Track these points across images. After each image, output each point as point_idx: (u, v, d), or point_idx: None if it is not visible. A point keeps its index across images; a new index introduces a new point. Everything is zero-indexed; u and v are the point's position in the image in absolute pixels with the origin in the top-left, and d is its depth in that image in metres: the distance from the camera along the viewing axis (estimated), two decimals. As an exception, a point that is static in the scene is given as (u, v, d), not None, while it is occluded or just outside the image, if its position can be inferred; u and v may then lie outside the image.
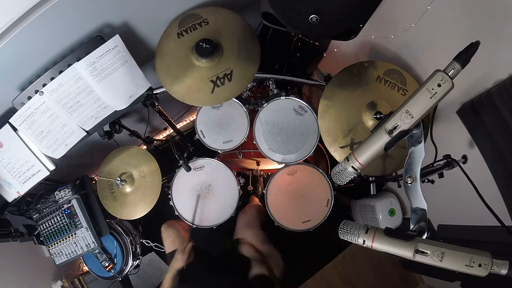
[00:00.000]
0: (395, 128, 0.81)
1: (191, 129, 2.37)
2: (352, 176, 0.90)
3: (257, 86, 1.84)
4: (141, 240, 1.80)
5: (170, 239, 1.52)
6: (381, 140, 0.83)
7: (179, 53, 1.30)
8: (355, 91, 1.33)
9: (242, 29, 1.32)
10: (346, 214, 2.19)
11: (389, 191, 1.96)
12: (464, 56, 0.77)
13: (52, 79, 1.15)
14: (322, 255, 2.16)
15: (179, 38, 1.31)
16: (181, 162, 1.47)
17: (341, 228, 0.85)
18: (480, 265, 0.71)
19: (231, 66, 1.28)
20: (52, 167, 1.30)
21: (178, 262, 1.32)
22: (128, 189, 1.54)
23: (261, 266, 1.27)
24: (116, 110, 1.33)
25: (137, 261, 1.75)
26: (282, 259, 1.39)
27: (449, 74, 0.77)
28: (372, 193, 1.84)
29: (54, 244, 1.50)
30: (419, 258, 0.76)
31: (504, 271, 0.71)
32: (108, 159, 1.58)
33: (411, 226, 0.83)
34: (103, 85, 1.22)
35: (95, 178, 1.79)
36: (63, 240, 1.49)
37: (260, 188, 1.95)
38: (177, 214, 1.53)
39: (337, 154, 1.32)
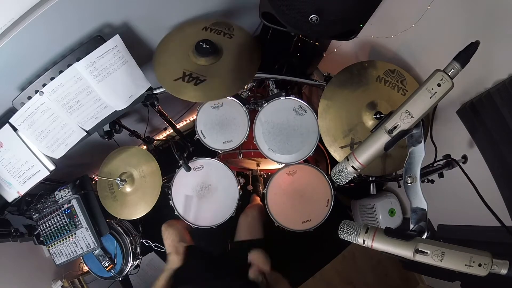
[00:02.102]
0: (395, 128, 0.81)
1: (191, 129, 2.37)
2: (352, 176, 0.90)
3: (257, 86, 1.84)
4: (141, 240, 1.80)
5: (170, 239, 1.52)
6: (381, 139, 0.83)
7: (190, 38, 1.33)
8: (355, 91, 1.33)
9: (250, 64, 1.33)
10: (346, 214, 2.19)
11: (389, 191, 1.96)
12: (464, 56, 0.77)
13: (52, 79, 1.15)
14: (322, 255, 2.16)
15: (202, 30, 1.36)
16: (181, 162, 1.47)
17: (341, 227, 0.85)
18: (480, 265, 0.71)
19: (208, 77, 1.28)
20: (52, 167, 1.30)
21: (174, 263, 1.33)
22: (128, 189, 1.54)
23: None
24: (116, 110, 1.33)
25: (137, 261, 1.74)
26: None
27: (449, 73, 0.77)
28: (372, 193, 1.84)
29: (54, 244, 1.50)
30: (419, 258, 0.76)
31: (504, 271, 0.71)
32: (108, 159, 1.58)
33: (411, 226, 0.83)
34: (103, 85, 1.22)
35: (95, 178, 1.78)
36: (63, 240, 1.49)
37: (260, 188, 1.95)
38: (177, 214, 1.53)
39: (337, 154, 1.32)
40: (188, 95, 1.27)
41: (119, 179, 1.51)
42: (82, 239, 1.47)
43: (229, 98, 1.47)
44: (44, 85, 1.15)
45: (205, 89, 1.27)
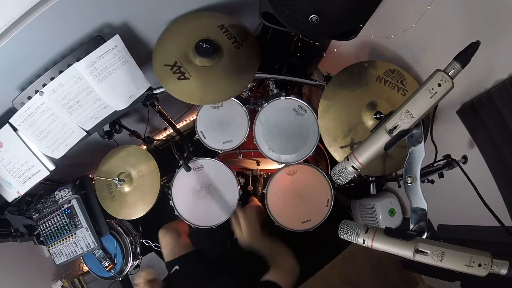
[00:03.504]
0: (395, 127, 0.81)
1: (191, 129, 2.37)
2: (352, 176, 0.90)
3: (257, 86, 1.84)
4: (141, 240, 1.80)
5: (168, 248, 1.49)
6: (381, 139, 0.83)
7: (203, 30, 1.30)
8: (355, 91, 1.33)
9: (238, 81, 1.29)
10: (346, 214, 2.19)
11: (389, 191, 1.96)
12: (464, 56, 0.77)
13: (52, 79, 1.15)
14: (322, 255, 2.16)
15: (217, 27, 1.31)
16: (181, 162, 1.47)
17: (341, 227, 0.85)
18: (480, 265, 0.71)
19: (193, 77, 1.25)
20: (52, 167, 1.30)
21: None
22: (126, 188, 1.53)
23: (275, 272, 1.13)
24: (116, 110, 1.33)
25: (137, 261, 1.74)
26: (294, 259, 1.21)
27: (449, 74, 0.77)
28: (372, 193, 1.84)
29: (54, 244, 1.50)
30: (419, 258, 0.76)
31: (504, 271, 0.71)
32: (106, 159, 1.58)
33: (411, 226, 0.83)
34: (103, 85, 1.22)
35: (95, 178, 1.79)
36: (63, 240, 1.49)
37: (260, 188, 1.95)
38: (177, 214, 1.53)
39: (337, 154, 1.32)
40: (168, 86, 1.27)
41: (117, 178, 1.50)
42: (82, 239, 1.47)
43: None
44: (44, 85, 1.15)
45: (183, 87, 1.26)
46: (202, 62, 1.26)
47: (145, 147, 1.94)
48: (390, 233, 0.80)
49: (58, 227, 1.48)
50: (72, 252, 1.49)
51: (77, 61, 1.14)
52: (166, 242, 1.50)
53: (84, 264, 1.68)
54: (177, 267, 1.41)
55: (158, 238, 1.56)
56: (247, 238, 1.29)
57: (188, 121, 2.38)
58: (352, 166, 0.87)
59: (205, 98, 1.29)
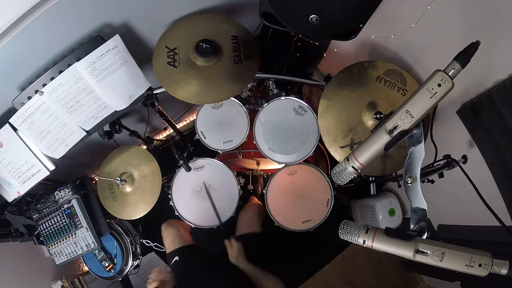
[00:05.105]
0: (395, 128, 0.81)
1: (191, 129, 2.37)
2: (352, 176, 0.90)
3: (257, 86, 1.84)
4: (141, 240, 1.80)
5: (170, 239, 1.52)
6: (381, 140, 0.83)
7: (215, 30, 1.32)
8: (355, 91, 1.33)
9: (221, 91, 1.29)
10: (346, 214, 2.19)
11: (389, 191, 1.96)
12: (464, 56, 0.77)
13: (52, 79, 1.15)
14: (322, 255, 2.16)
15: (230, 36, 1.32)
16: (181, 162, 1.47)
17: (341, 228, 0.85)
18: (480, 265, 0.71)
19: (178, 69, 1.25)
20: (52, 167, 1.30)
21: None
22: (128, 189, 1.53)
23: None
24: (116, 110, 1.33)
25: (137, 261, 1.74)
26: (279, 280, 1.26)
27: (449, 74, 0.77)
28: (372, 193, 1.84)
29: (54, 244, 1.50)
30: (419, 258, 0.76)
31: (504, 271, 0.71)
32: (109, 159, 1.58)
33: (411, 226, 0.83)
34: (103, 85, 1.22)
35: (95, 178, 1.79)
36: (63, 240, 1.48)
37: (260, 188, 1.95)
38: (177, 214, 1.53)
39: (337, 154, 1.32)
40: (156, 67, 1.27)
41: (119, 179, 1.51)
42: (82, 239, 1.47)
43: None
44: (44, 85, 1.15)
45: (167, 73, 1.26)
46: (195, 59, 1.25)
47: (145, 147, 1.94)
48: (390, 233, 0.80)
49: (58, 227, 1.48)
50: (72, 252, 1.49)
51: (77, 61, 1.14)
52: (168, 233, 1.53)
53: (84, 264, 1.68)
54: (177, 258, 1.43)
55: (158, 238, 1.57)
56: (235, 260, 1.36)
57: (188, 121, 2.38)
58: (352, 167, 0.87)
59: (180, 94, 1.27)
